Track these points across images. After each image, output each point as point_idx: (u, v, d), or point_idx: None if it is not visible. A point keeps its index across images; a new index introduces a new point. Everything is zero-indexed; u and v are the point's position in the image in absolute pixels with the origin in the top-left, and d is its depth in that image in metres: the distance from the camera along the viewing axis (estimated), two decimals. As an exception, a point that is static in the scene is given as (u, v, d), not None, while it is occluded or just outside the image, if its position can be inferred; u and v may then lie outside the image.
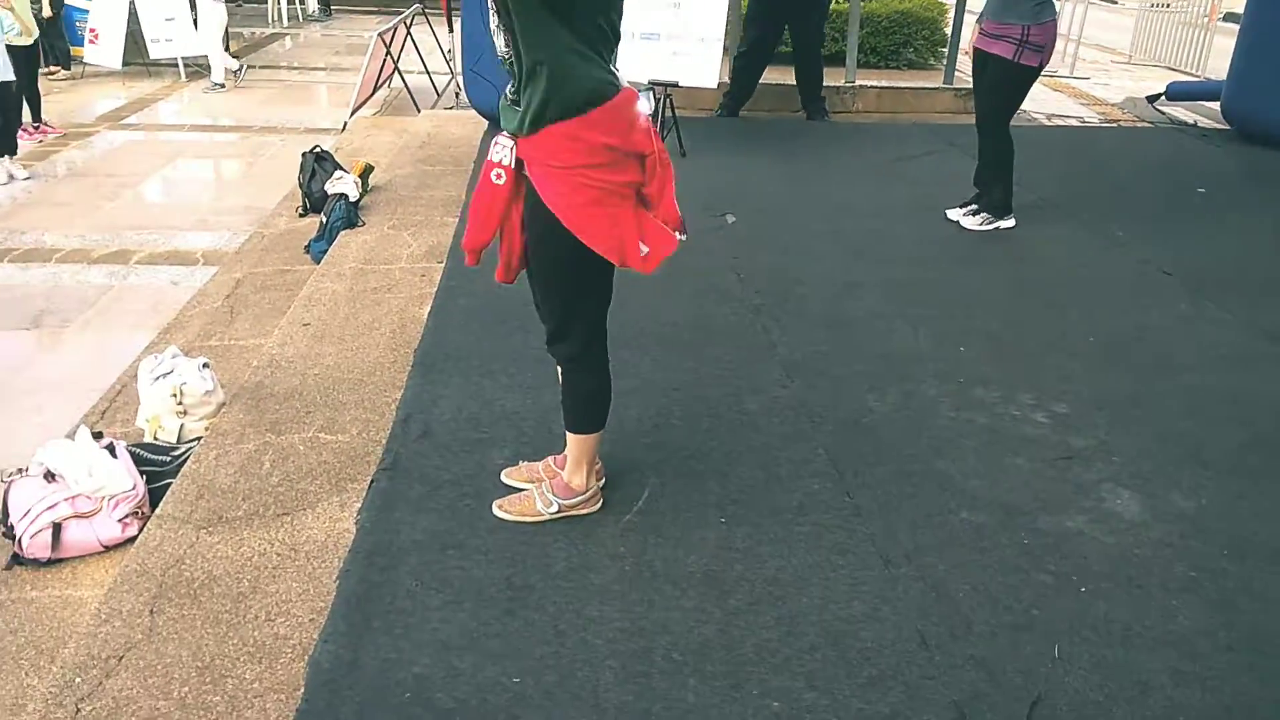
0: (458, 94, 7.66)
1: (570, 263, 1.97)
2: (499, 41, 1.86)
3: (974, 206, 4.60)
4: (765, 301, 3.61)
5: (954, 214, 4.64)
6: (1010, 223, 4.53)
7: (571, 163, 1.86)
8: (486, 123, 6.22)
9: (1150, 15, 11.06)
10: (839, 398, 2.93)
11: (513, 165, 1.95)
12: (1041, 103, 7.78)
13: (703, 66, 5.53)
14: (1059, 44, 8.66)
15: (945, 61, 7.56)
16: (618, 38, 1.87)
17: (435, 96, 8.20)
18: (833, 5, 8.31)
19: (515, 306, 3.44)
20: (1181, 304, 3.78)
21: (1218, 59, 8.62)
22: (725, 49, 5.84)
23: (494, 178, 1.96)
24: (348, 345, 3.31)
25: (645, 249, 1.96)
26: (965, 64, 8.61)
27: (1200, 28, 10.01)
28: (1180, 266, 4.15)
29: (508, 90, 1.91)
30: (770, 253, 4.15)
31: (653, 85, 5.54)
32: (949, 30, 7.87)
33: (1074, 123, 7.24)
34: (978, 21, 4.77)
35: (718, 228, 4.45)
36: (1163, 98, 7.55)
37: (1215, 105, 6.96)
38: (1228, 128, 6.77)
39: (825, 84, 7.10)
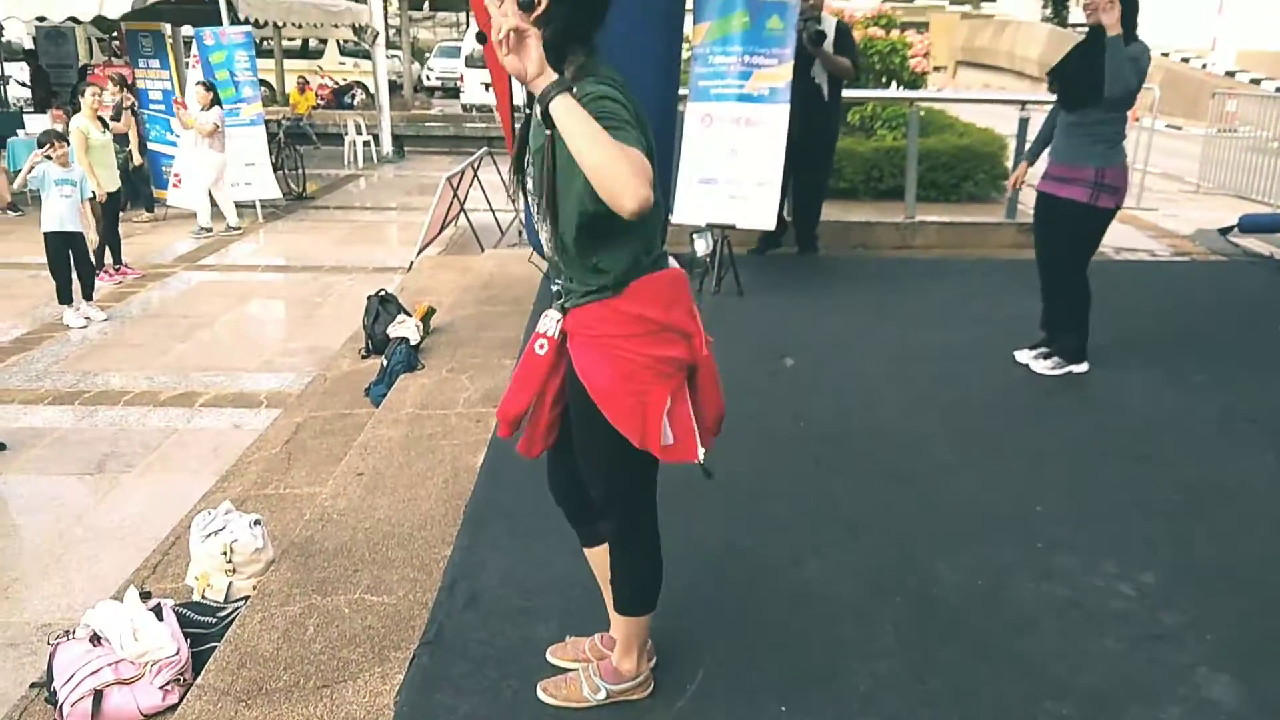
0: (521, 232, 7.84)
1: (609, 439, 1.89)
2: (543, 234, 1.87)
3: (1045, 350, 4.45)
4: (826, 452, 3.49)
5: (1023, 356, 4.49)
6: (1084, 367, 4.36)
7: (606, 332, 1.85)
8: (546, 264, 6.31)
9: (1217, 141, 10.95)
10: (907, 563, 2.77)
11: (557, 337, 1.94)
12: (1110, 236, 7.57)
13: (760, 209, 5.58)
14: (1122, 176, 8.65)
15: (1007, 195, 7.53)
16: (664, 217, 1.85)
17: (500, 234, 8.41)
18: (890, 142, 8.46)
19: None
20: (1269, 456, 3.55)
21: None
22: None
23: (538, 348, 1.96)
24: (400, 496, 3.27)
25: (670, 439, 1.88)
26: (1027, 196, 8.64)
27: (1269, 153, 9.84)
28: (1265, 414, 3.93)
29: (552, 274, 1.95)
30: (831, 398, 4.05)
31: (710, 227, 5.60)
32: (1009, 164, 7.89)
33: (1144, 256, 7.10)
34: (1024, 159, 4.73)
35: (775, 371, 4.38)
36: (1235, 230, 7.39)
37: (1292, 236, 6.78)
38: (1307, 260, 6.57)
39: (885, 220, 7.12)
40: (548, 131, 1.65)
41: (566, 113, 1.57)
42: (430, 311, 5.10)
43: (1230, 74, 22.76)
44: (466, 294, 5.97)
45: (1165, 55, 25.22)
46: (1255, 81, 21.51)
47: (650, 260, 1.86)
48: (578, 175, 1.61)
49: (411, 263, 7.43)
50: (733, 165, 5.59)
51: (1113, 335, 4.89)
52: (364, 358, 5.21)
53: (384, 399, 4.31)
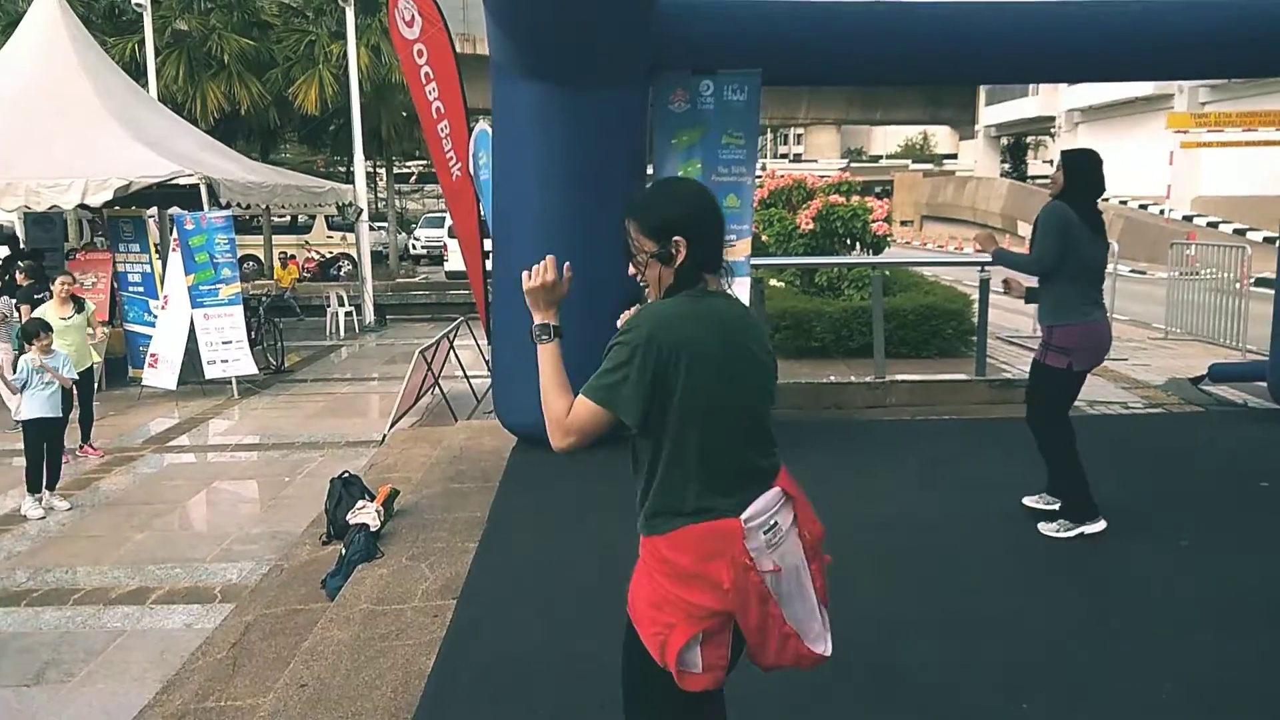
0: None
1: (642, 666, 1.93)
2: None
3: (1049, 505, 4.51)
4: (797, 647, 3.30)
5: (1031, 501, 4.59)
6: (1098, 526, 4.26)
7: (646, 559, 1.97)
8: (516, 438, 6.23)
9: (1181, 284, 11.16)
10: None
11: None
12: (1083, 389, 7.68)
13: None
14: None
15: (975, 352, 7.59)
16: (733, 465, 1.97)
17: (475, 402, 8.38)
18: (858, 301, 8.61)
19: (524, 672, 3.21)
20: (1265, 633, 3.39)
21: (1256, 325, 8.56)
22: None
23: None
24: (344, 711, 3.06)
25: (690, 668, 1.87)
26: (996, 351, 8.74)
27: (1233, 294, 9.97)
28: (1258, 583, 3.80)
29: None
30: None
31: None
32: (974, 319, 7.99)
33: (1118, 408, 7.09)
34: None
35: (748, 550, 4.23)
36: (1206, 379, 7.42)
37: (1264, 384, 6.80)
38: (1278, 407, 6.56)
39: (857, 380, 7.13)
40: None
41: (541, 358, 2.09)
42: (393, 494, 4.97)
43: (1187, 218, 23.61)
44: (435, 470, 5.85)
45: (1124, 203, 26.26)
46: (1213, 225, 22.28)
47: (691, 510, 1.89)
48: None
49: (383, 437, 7.34)
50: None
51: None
52: (325, 544, 5.03)
53: (339, 592, 4.13)
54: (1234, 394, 7.31)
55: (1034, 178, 43.66)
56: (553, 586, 3.91)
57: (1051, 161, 40.78)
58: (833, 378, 7.30)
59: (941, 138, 61.69)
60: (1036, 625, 3.46)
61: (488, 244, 6.54)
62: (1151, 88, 27.99)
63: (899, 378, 7.23)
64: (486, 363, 8.92)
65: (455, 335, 8.95)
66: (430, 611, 3.79)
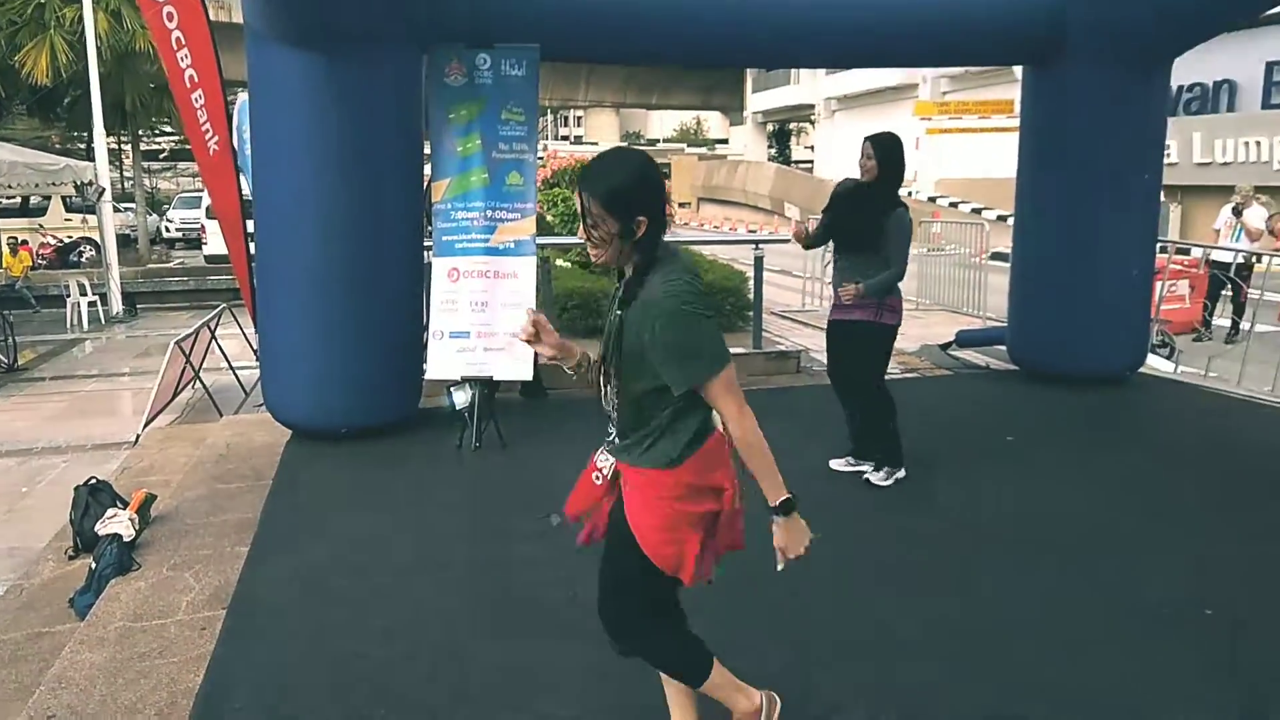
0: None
1: (638, 563, 2.22)
2: (607, 400, 2.25)
3: (860, 462, 4.79)
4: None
5: (838, 465, 4.85)
6: (903, 473, 4.68)
7: (655, 494, 2.20)
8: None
9: (929, 259, 12.19)
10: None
11: (609, 476, 2.33)
12: (848, 357, 8.18)
13: (516, 361, 5.47)
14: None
15: (752, 326, 7.89)
16: None
17: (243, 395, 7.79)
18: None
19: (305, 682, 2.99)
20: (1008, 568, 3.73)
21: (994, 295, 9.44)
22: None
23: (594, 478, 2.36)
24: (100, 743, 2.73)
25: (699, 567, 2.23)
26: (769, 325, 9.14)
27: (973, 267, 11.06)
28: (1005, 524, 4.16)
29: (610, 431, 2.30)
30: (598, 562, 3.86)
31: (467, 380, 5.41)
32: (749, 296, 8.30)
33: (880, 375, 7.57)
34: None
35: (541, 533, 4.15)
36: (954, 344, 8.09)
37: (1003, 348, 7.49)
38: (1017, 369, 7.24)
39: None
40: (619, 312, 2.15)
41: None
42: (149, 499, 4.52)
43: (932, 199, 25.73)
44: (198, 470, 5.38)
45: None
46: (954, 205, 24.38)
47: (702, 434, 2.19)
48: (636, 353, 2.11)
49: (137, 437, 6.68)
50: (485, 318, 5.47)
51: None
52: (71, 559, 4.51)
53: (90, 611, 3.70)
54: (978, 357, 8.02)
55: (797, 162, 46.26)
56: (334, 589, 3.68)
57: (812, 147, 43.37)
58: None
59: (713, 123, 63.97)
60: (805, 579, 3.61)
61: (251, 225, 6.07)
62: (899, 78, 30.26)
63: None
64: (254, 352, 8.34)
65: (218, 324, 8.29)
66: (197, 624, 3.47)
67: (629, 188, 2.08)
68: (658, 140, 60.58)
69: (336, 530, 4.24)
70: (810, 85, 38.18)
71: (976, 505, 4.46)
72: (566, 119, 68.78)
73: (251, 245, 6.25)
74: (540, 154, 16.49)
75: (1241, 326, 9.21)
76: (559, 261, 9.55)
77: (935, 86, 28.63)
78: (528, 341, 2.16)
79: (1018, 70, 7.49)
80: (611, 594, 2.40)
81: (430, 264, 5.73)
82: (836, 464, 4.87)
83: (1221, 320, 10.04)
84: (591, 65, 47.89)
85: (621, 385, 2.19)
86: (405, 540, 4.09)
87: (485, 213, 5.49)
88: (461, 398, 5.48)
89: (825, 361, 7.80)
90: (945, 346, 8.14)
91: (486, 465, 5.09)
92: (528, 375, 5.68)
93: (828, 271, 11.50)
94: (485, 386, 5.46)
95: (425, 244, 5.84)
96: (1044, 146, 6.73)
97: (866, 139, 4.58)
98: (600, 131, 54.89)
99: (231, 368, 8.15)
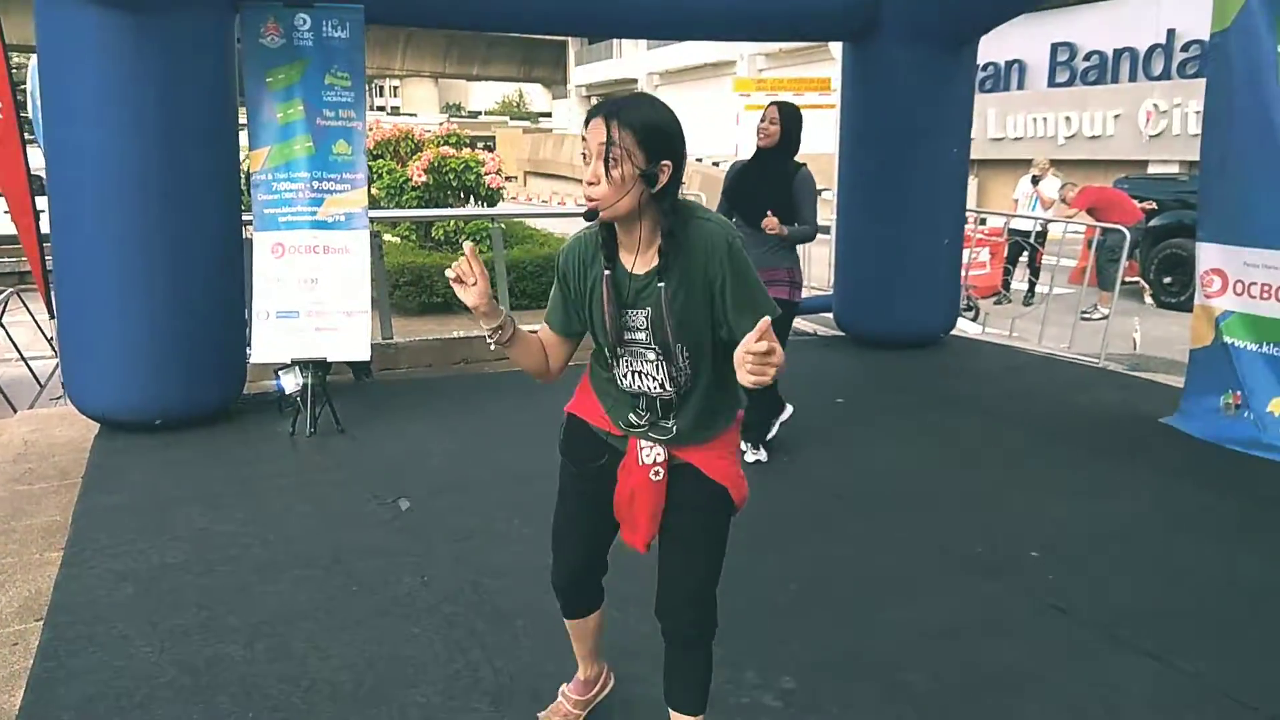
0: (64, 383, 6.66)
1: (725, 525, 2.14)
2: (649, 381, 2.01)
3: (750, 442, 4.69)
4: (459, 610, 3.18)
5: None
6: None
7: (732, 447, 2.17)
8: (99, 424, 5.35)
9: (754, 235, 12.54)
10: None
11: (667, 460, 2.09)
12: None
13: (352, 340, 5.22)
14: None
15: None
16: None
17: (39, 388, 7.09)
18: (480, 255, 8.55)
19: (141, 696, 2.74)
20: (855, 525, 3.89)
21: (817, 266, 9.81)
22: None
23: (653, 476, 2.09)
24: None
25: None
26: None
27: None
28: (846, 486, 4.34)
29: (641, 412, 2.07)
30: (456, 541, 3.76)
31: (297, 363, 5.12)
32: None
33: (718, 344, 7.74)
34: None
35: (390, 518, 4.00)
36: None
37: (830, 315, 7.81)
38: (843, 334, 7.58)
39: (483, 333, 7.09)
40: (660, 284, 1.91)
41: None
42: (-64, 508, 4.03)
43: (754, 174, 26.41)
44: (-8, 473, 4.85)
45: (699, 160, 28.79)
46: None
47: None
48: (702, 315, 1.94)
49: (-88, 440, 5.95)
50: (315, 296, 5.18)
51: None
52: None
53: None
54: (806, 325, 8.33)
55: (623, 135, 46.52)
56: (176, 590, 3.40)
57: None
58: (459, 333, 7.17)
59: (536, 96, 63.39)
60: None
61: (42, 201, 5.49)
62: (718, 54, 30.95)
63: (525, 328, 7.27)
64: (49, 340, 7.59)
65: (4, 310, 7.49)
66: (8, 640, 3.12)
67: (666, 125, 1.88)
68: (479, 113, 59.48)
69: (166, 528, 3.92)
70: (633, 58, 38.44)
71: (824, 466, 4.63)
72: (382, 89, 66.34)
73: (44, 223, 5.66)
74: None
75: (1038, 289, 10.00)
76: (387, 236, 9.21)
77: (752, 64, 29.44)
78: (456, 280, 1.90)
79: (834, 50, 7.77)
80: (706, 584, 2.14)
81: (251, 240, 5.37)
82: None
83: (1020, 284, 10.86)
84: (410, 32, 46.37)
85: (692, 356, 1.98)
86: (247, 535, 3.83)
87: (311, 184, 5.18)
88: (291, 382, 5.18)
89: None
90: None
91: (324, 452, 4.84)
92: (364, 355, 5.43)
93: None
94: (317, 369, 5.19)
95: (245, 218, 5.47)
96: (862, 122, 7.02)
97: (772, 103, 4.55)
98: (418, 103, 53.30)
99: (23, 358, 7.40)
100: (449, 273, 1.93)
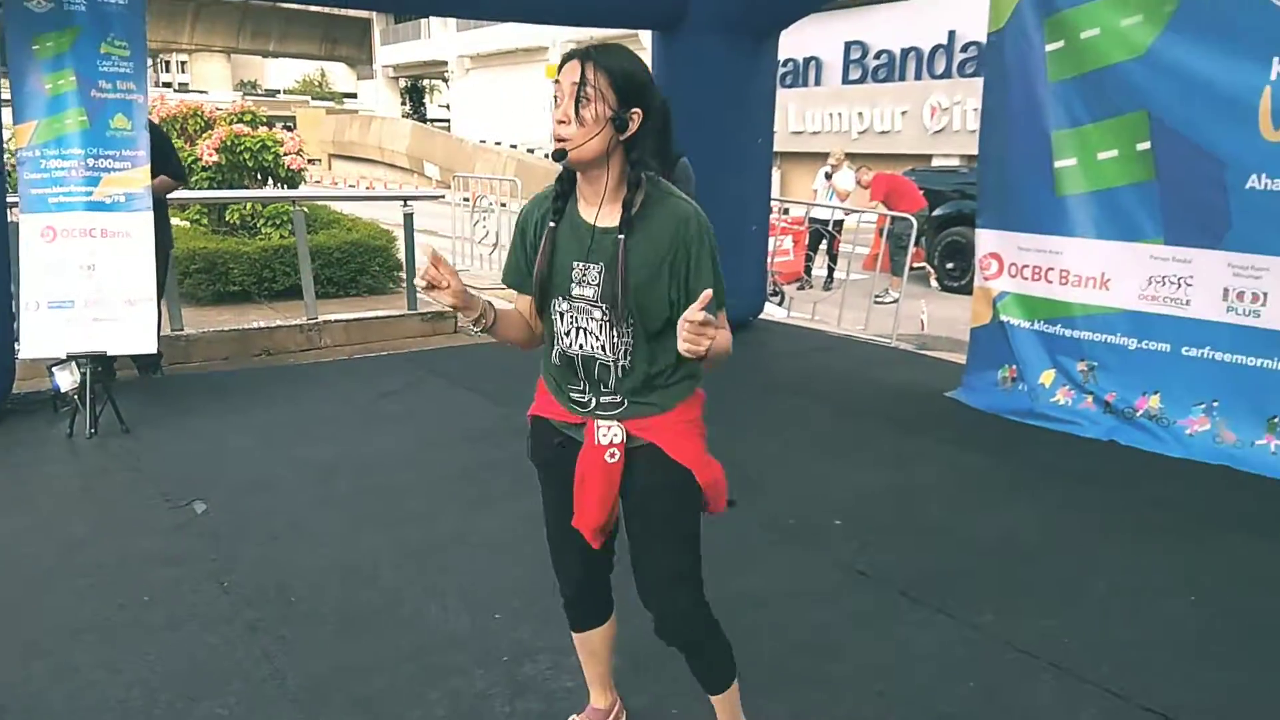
0: None
1: (693, 510, 2.06)
2: (594, 341, 1.94)
3: None
4: (262, 616, 3.00)
5: None
6: None
7: (691, 417, 2.05)
8: None
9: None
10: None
11: (624, 441, 1.99)
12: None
13: (136, 332, 4.83)
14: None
15: (405, 286, 7.65)
16: None
17: None
18: (278, 240, 8.10)
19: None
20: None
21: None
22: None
23: (609, 458, 1.99)
24: None
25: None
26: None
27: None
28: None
29: (583, 389, 2.00)
30: (258, 544, 3.54)
31: (73, 358, 4.69)
32: (400, 256, 8.04)
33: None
34: None
35: (186, 523, 3.73)
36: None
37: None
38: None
39: (288, 323, 6.75)
40: (620, 236, 1.86)
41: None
42: None
43: (568, 162, 26.47)
44: None
45: (514, 147, 28.58)
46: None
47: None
48: (659, 281, 1.88)
49: None
50: (92, 284, 4.75)
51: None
52: None
53: None
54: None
55: (433, 120, 45.42)
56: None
57: (448, 105, 42.76)
58: (260, 323, 6.78)
59: (340, 75, 60.80)
60: (490, 526, 3.61)
61: None
62: (529, 39, 30.71)
63: (331, 318, 6.99)
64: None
65: None
66: None
67: (640, 74, 1.87)
68: (278, 91, 56.43)
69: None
70: (441, 40, 37.51)
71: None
72: (168, 64, 61.77)
73: None
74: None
75: (837, 275, 10.55)
76: (176, 220, 8.56)
77: (564, 50, 29.40)
78: (428, 287, 1.79)
79: (645, 39, 7.86)
80: (677, 580, 2.05)
81: (16, 223, 4.86)
82: None
83: (820, 271, 11.42)
84: (199, 2, 43.32)
85: (638, 322, 1.90)
86: (26, 546, 3.47)
87: (86, 161, 4.74)
88: (67, 379, 4.74)
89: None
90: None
91: (108, 454, 4.45)
92: (150, 348, 5.04)
93: (476, 230, 11.47)
94: (97, 364, 4.76)
95: (10, 199, 4.94)
96: (672, 111, 7.12)
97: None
98: (209, 79, 49.89)
99: None
100: (418, 282, 1.82)
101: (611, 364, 1.95)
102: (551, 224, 1.93)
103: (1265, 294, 4.49)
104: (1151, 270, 4.87)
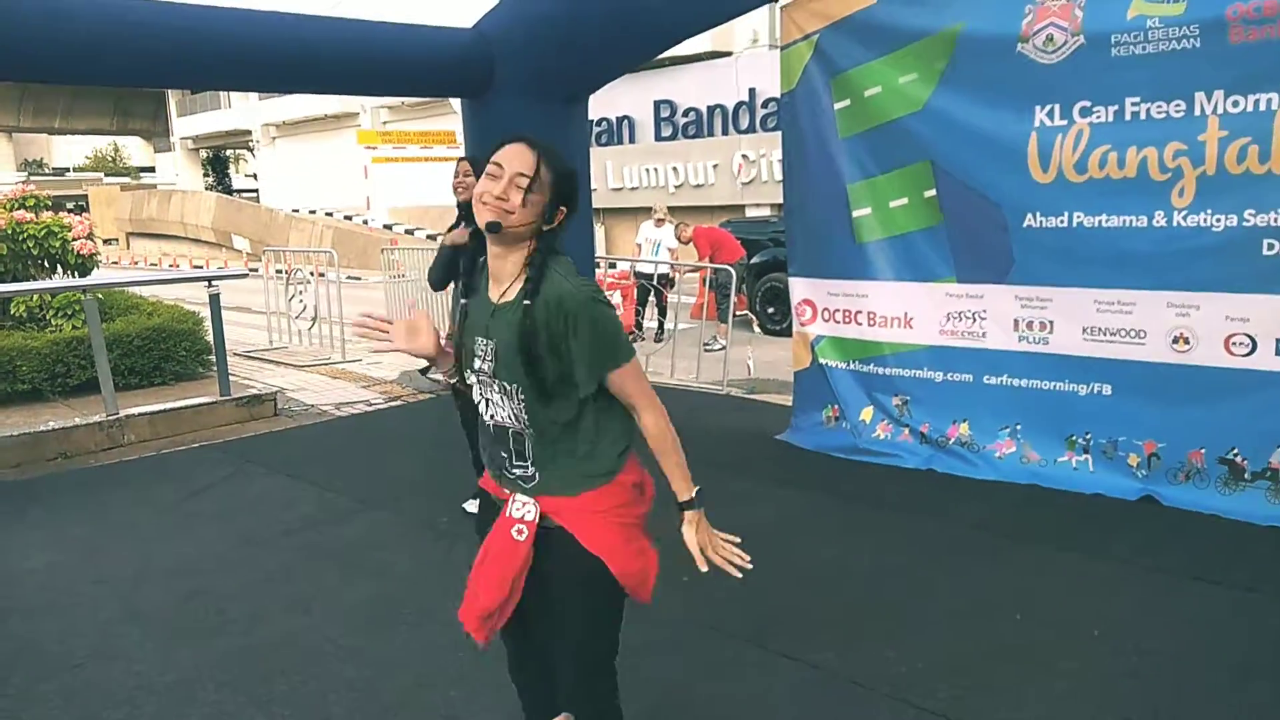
0: None
1: (605, 605, 2.02)
2: (501, 412, 1.99)
3: None
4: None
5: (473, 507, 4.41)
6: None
7: (609, 506, 1.99)
8: None
9: (393, 285, 12.26)
10: None
11: (535, 520, 1.98)
12: (330, 393, 7.90)
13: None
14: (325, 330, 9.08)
15: (216, 370, 7.21)
16: None
17: None
18: (70, 331, 7.50)
19: None
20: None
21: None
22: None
23: (515, 533, 1.98)
24: None
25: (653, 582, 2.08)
26: (239, 368, 8.47)
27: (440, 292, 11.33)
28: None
29: (505, 460, 2.03)
30: (61, 675, 3.19)
31: None
32: (208, 337, 7.60)
33: (362, 407, 7.44)
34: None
35: (-29, 658, 3.33)
36: (431, 368, 8.25)
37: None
38: (491, 385, 7.60)
39: (86, 421, 6.23)
40: (527, 302, 1.91)
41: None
42: None
43: (388, 226, 26.04)
44: None
45: (330, 215, 27.81)
46: (410, 231, 24.95)
47: (628, 433, 2.04)
48: (579, 362, 1.92)
49: None
50: None
51: (357, 496, 4.94)
52: None
53: None
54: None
55: (240, 191, 43.62)
56: None
57: (255, 175, 41.22)
58: (54, 423, 6.21)
59: (135, 149, 57.62)
60: (304, 634, 3.41)
61: None
62: (339, 105, 30.09)
63: (135, 411, 6.48)
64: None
65: None
66: None
67: (573, 177, 1.98)
68: (67, 169, 52.85)
69: None
70: (243, 109, 36.20)
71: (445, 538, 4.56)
72: (-62, 145, 56.77)
73: None
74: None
75: (666, 326, 10.77)
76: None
77: (376, 116, 28.99)
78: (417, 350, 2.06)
79: (457, 104, 7.85)
80: (587, 673, 2.06)
81: None
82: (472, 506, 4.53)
83: (651, 323, 11.62)
84: (-35, 80, 40.19)
85: (527, 394, 1.94)
86: None
87: None
88: None
89: (306, 402, 7.50)
90: (424, 370, 8.24)
91: None
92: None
93: (293, 305, 11.01)
94: None
95: None
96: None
97: (462, 159, 4.47)
98: (-14, 159, 46.18)
99: None
100: (378, 346, 2.13)
101: (522, 433, 1.99)
102: (464, 300, 2.06)
103: (1051, 322, 4.90)
104: (948, 307, 5.22)
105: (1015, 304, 4.99)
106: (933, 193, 5.13)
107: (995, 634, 3.30)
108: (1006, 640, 3.25)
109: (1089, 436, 4.82)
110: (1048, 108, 4.71)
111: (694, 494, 2.05)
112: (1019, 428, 5.04)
